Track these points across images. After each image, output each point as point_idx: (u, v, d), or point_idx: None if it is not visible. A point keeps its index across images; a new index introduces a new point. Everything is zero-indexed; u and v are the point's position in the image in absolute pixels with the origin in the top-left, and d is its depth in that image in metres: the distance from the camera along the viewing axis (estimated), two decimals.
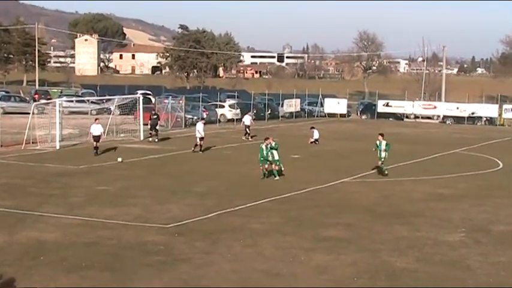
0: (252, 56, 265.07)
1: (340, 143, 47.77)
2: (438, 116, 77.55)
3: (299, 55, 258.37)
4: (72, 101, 61.24)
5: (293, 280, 15.52)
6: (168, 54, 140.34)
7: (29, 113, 42.90)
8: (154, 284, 14.99)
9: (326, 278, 15.76)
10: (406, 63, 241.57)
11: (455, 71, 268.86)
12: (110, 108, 53.88)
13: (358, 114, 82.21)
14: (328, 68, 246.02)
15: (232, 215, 22.41)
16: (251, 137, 47.15)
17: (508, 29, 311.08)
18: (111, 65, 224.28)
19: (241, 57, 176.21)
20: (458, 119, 74.25)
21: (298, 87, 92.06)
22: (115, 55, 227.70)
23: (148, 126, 45.28)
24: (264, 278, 15.65)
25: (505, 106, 75.45)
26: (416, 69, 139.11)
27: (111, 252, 17.40)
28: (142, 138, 45.82)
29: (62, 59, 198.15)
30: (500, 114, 74.14)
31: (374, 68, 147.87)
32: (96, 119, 37.83)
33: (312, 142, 46.24)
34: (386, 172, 31.79)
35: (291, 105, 74.69)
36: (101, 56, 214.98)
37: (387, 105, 79.28)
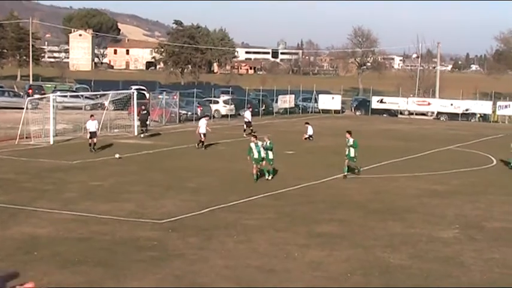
0: (247, 52, 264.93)
1: (334, 139, 47.70)
2: (432, 113, 77.64)
3: (293, 51, 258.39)
4: (66, 96, 61.03)
5: (287, 276, 15.51)
6: (162, 50, 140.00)
7: (22, 108, 42.78)
8: (148, 279, 14.97)
9: (320, 274, 15.75)
10: (400, 60, 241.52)
11: (449, 67, 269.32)
12: (104, 104, 53.75)
13: (352, 110, 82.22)
14: (322, 64, 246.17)
15: (226, 211, 22.39)
16: (246, 134, 47.09)
17: (502, 26, 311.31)
18: (105, 60, 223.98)
19: (236, 53, 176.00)
20: (452, 116, 74.33)
21: (292, 83, 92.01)
22: (109, 50, 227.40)
23: (138, 122, 45.15)
24: (258, 274, 15.63)
25: (498, 103, 75.60)
26: (411, 66, 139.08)
27: (105, 248, 17.36)
28: (136, 133, 45.74)
29: (56, 54, 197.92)
30: (494, 111, 74.29)
31: (368, 64, 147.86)
32: (91, 115, 37.61)
33: (306, 138, 46.22)
34: (346, 173, 30.19)
35: (285, 101, 74.67)
36: (95, 51, 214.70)
37: (381, 101, 79.31)
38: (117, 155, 33.81)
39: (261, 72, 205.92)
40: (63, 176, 28.40)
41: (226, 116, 63.57)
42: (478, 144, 46.44)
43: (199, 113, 60.30)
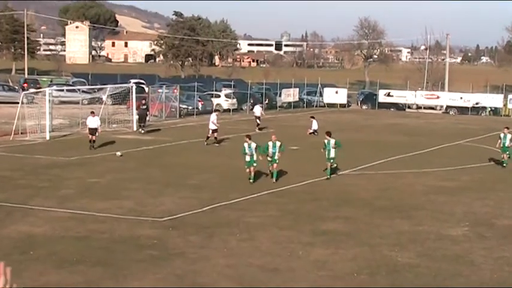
0: (249, 44, 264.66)
1: (340, 134, 47.63)
2: (441, 107, 77.53)
3: (297, 43, 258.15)
4: (62, 90, 61.01)
5: (291, 276, 15.55)
6: (162, 42, 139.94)
7: (18, 103, 42.86)
8: (148, 279, 15.01)
9: (325, 273, 15.79)
10: (408, 52, 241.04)
11: (459, 59, 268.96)
12: (102, 98, 53.79)
13: (359, 104, 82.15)
14: (327, 57, 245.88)
15: (228, 209, 22.43)
16: (260, 129, 47.10)
17: None
18: (103, 53, 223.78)
19: (238, 45, 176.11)
20: (461, 110, 74.22)
21: (296, 76, 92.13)
22: (107, 43, 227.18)
23: (136, 117, 45.09)
24: (261, 273, 15.67)
25: (510, 96, 75.35)
26: (419, 58, 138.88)
27: (103, 247, 17.41)
28: (135, 129, 45.78)
29: (52, 47, 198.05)
30: (505, 105, 74.13)
31: (375, 56, 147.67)
32: (92, 112, 37.42)
33: (310, 133, 46.23)
34: (329, 176, 28.71)
35: (289, 95, 74.61)
36: (93, 43, 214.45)
37: (388, 95, 79.22)
38: (118, 153, 33.63)
39: (264, 65, 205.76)
40: (59, 173, 28.46)
41: (228, 110, 63.57)
42: (489, 139, 46.34)
43: (200, 108, 60.40)
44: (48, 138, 39.82)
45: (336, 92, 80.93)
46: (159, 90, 58.32)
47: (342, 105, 78.60)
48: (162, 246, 17.62)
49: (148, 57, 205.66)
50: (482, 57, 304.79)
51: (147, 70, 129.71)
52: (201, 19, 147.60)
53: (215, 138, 39.20)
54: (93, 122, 36.38)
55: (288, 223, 20.56)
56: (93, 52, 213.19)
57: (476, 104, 74.26)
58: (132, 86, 50.38)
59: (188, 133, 44.96)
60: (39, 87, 63.48)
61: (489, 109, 74.67)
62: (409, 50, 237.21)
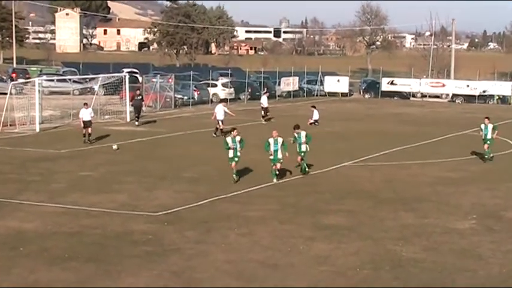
0: (247, 31, 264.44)
1: (342, 124, 47.80)
2: (447, 95, 77.54)
3: (297, 30, 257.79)
4: (52, 80, 61.09)
5: (291, 271, 15.55)
6: (155, 30, 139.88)
7: (6, 94, 42.79)
8: (143, 276, 15.01)
9: (327, 268, 15.79)
10: (412, 38, 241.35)
11: (465, 46, 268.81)
12: (94, 88, 53.74)
13: (361, 93, 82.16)
14: (328, 44, 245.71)
15: (226, 202, 22.42)
16: (269, 119, 47.00)
17: None
18: (94, 41, 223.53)
19: (235, 33, 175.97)
20: (468, 98, 74.19)
21: (296, 64, 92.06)
22: (99, 30, 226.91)
23: (131, 108, 44.88)
24: (261, 269, 15.67)
25: None
26: (424, 45, 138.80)
27: (96, 242, 17.41)
28: (128, 119, 45.74)
29: (41, 35, 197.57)
30: None
31: (378, 43, 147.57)
32: (85, 103, 37.14)
33: (311, 123, 46.22)
34: (307, 169, 27.71)
35: (289, 84, 74.59)
36: (84, 31, 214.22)
37: (392, 83, 79.19)
38: (114, 146, 33.45)
39: (262, 53, 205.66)
40: (50, 166, 28.44)
41: (225, 100, 63.49)
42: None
43: (196, 97, 60.35)
44: (38, 130, 39.79)
45: (338, 81, 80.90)
46: (154, 80, 58.33)
47: (344, 94, 78.59)
48: (157, 241, 17.62)
49: (141, 46, 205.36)
50: (489, 43, 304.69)
51: (141, 59, 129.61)
52: (197, 5, 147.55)
53: (220, 130, 38.96)
54: (86, 114, 35.74)
55: (289, 217, 20.56)
56: (84, 40, 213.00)
57: (484, 92, 74.22)
58: (125, 76, 50.32)
59: (184, 124, 44.94)
60: (29, 77, 63.50)
61: (497, 97, 74.61)
62: (413, 36, 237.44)
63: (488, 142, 31.86)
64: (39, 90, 42.50)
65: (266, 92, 54.15)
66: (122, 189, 24.09)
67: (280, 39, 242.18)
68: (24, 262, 15.70)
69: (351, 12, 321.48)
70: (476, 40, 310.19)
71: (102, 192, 23.43)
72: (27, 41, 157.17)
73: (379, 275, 15.42)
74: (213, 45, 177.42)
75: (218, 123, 39.43)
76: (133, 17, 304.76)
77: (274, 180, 25.86)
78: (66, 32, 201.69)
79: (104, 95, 52.49)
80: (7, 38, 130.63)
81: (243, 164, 27.34)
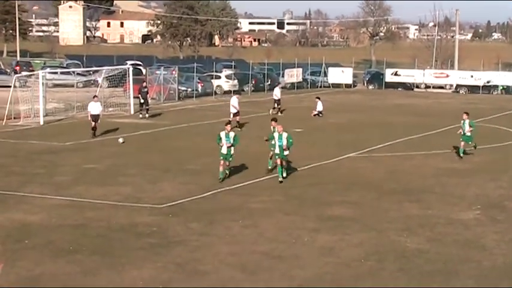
0: (250, 23, 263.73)
1: (346, 115, 47.75)
2: (451, 85, 77.36)
3: (301, 21, 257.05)
4: (56, 73, 61.09)
5: (296, 262, 15.56)
6: (159, 22, 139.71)
7: (9, 86, 42.80)
8: (147, 268, 15.03)
9: (331, 260, 15.81)
10: (416, 29, 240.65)
11: (469, 36, 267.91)
12: (98, 81, 53.71)
13: (365, 84, 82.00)
14: (332, 35, 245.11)
15: (230, 194, 22.44)
16: (281, 112, 46.89)
17: None
18: (98, 33, 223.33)
19: (239, 24, 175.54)
20: (472, 88, 74.02)
21: (299, 55, 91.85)
22: (102, 23, 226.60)
23: (141, 101, 44.56)
24: (265, 260, 15.69)
25: None
26: (427, 35, 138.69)
27: (101, 235, 17.44)
28: (132, 112, 45.73)
29: (44, 28, 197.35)
30: None
31: (381, 34, 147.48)
32: (94, 96, 36.77)
33: (315, 115, 46.21)
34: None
35: (292, 75, 74.48)
36: (87, 24, 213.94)
37: (396, 74, 79.04)
38: (120, 139, 33.37)
39: (265, 45, 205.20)
40: (54, 159, 28.46)
41: (229, 92, 63.47)
42: (501, 119, 46.37)
43: (199, 90, 60.31)
44: (42, 123, 39.80)
45: (343, 72, 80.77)
46: (157, 72, 58.22)
47: (348, 86, 78.44)
48: (161, 233, 17.64)
49: (145, 38, 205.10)
50: (493, 34, 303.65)
51: (144, 51, 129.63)
52: None
53: (237, 122, 38.80)
54: (95, 107, 35.29)
55: (293, 208, 20.57)
56: (88, 33, 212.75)
57: (488, 82, 74.06)
58: (128, 68, 50.29)
59: (187, 116, 44.92)
60: (32, 70, 63.46)
61: (501, 87, 74.41)
62: (416, 27, 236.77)
63: (467, 140, 30.48)
64: (43, 83, 42.48)
65: (279, 84, 54.08)
66: (126, 181, 24.12)
67: (284, 31, 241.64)
68: (30, 255, 15.74)
69: (355, 4, 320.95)
70: (480, 30, 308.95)
71: (106, 185, 23.45)
72: (30, 33, 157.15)
73: (384, 266, 15.44)
74: (216, 37, 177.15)
75: (230, 115, 39.15)
76: (137, 9, 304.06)
77: (280, 179, 24.25)
78: (70, 24, 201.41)
79: (108, 87, 52.47)
80: (11, 31, 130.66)
81: (246, 156, 27.36)
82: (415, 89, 77.34)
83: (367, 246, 16.84)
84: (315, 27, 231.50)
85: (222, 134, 24.54)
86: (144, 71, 64.04)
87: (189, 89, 59.04)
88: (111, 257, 15.69)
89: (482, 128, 41.84)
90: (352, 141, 34.60)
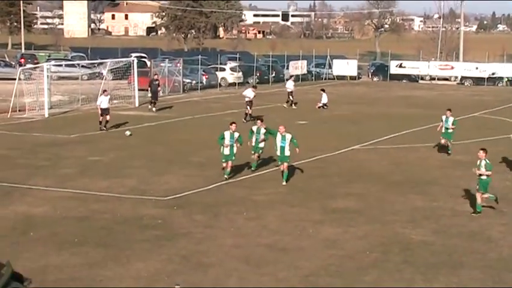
0: (255, 15, 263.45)
1: (350, 107, 47.69)
2: (456, 77, 77.25)
3: (305, 13, 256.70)
4: (61, 65, 61.01)
5: (300, 255, 15.55)
6: (163, 14, 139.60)
7: (14, 79, 42.80)
8: (152, 260, 15.04)
9: (335, 252, 15.80)
10: (420, 21, 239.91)
11: (474, 28, 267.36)
12: (102, 73, 53.72)
13: (370, 76, 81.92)
14: (336, 27, 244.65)
15: (235, 186, 22.43)
16: (294, 104, 46.79)
17: None
18: (102, 26, 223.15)
19: (243, 16, 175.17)
20: (477, 80, 73.87)
21: (304, 48, 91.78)
22: (107, 15, 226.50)
23: (149, 94, 44.32)
24: (269, 253, 15.69)
25: None
26: (432, 27, 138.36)
27: (105, 227, 17.45)
28: (137, 104, 45.70)
29: (49, 20, 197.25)
30: None
31: (386, 26, 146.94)
32: (104, 90, 36.47)
33: (320, 107, 46.16)
34: (254, 167, 24.74)
35: (297, 68, 74.34)
36: (92, 16, 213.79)
37: (400, 66, 78.92)
38: (127, 132, 33.30)
39: (270, 37, 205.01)
40: (59, 151, 28.47)
41: (233, 84, 63.41)
42: (506, 111, 46.26)
43: (204, 82, 60.27)
44: (46, 115, 39.81)
45: (348, 64, 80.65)
46: (162, 64, 58.18)
47: (352, 78, 78.35)
48: (166, 226, 17.65)
49: (149, 30, 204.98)
50: (498, 25, 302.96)
51: (149, 43, 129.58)
52: None
53: (250, 115, 38.61)
54: (105, 101, 34.90)
55: (297, 201, 20.56)
56: (93, 25, 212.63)
57: (493, 74, 73.89)
58: (133, 60, 50.26)
59: (192, 108, 44.89)
60: (37, 63, 63.50)
61: (506, 79, 74.24)
62: (421, 18, 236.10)
63: (448, 136, 29.41)
64: (47, 76, 42.49)
65: (292, 76, 54.03)
66: (131, 173, 24.11)
67: (289, 23, 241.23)
68: (34, 247, 15.75)
69: None
70: (485, 22, 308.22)
71: (111, 177, 23.46)
72: (35, 26, 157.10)
73: (388, 258, 15.42)
74: (221, 30, 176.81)
75: (246, 107, 39.05)
76: (141, 2, 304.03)
77: (284, 182, 22.89)
78: (74, 17, 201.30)
79: (112, 79, 52.46)
80: (15, 23, 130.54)
81: (250, 148, 27.27)
82: (420, 81, 77.24)
83: (371, 238, 16.83)
84: (320, 19, 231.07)
85: (227, 134, 23.49)
86: (148, 63, 63.99)
87: (194, 81, 58.98)
88: (116, 249, 15.70)
89: (487, 120, 41.78)
90: (356, 133, 34.57)
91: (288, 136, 23.17)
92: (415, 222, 18.34)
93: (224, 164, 23.42)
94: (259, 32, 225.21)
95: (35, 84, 42.91)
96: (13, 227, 17.37)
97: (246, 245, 16.17)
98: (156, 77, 45.93)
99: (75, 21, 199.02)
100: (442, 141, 29.46)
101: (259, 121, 25.38)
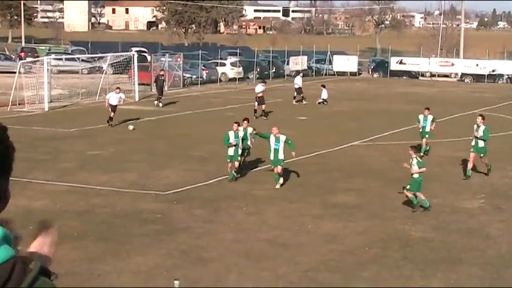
0: (255, 10, 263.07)
1: (350, 103, 47.68)
2: (456, 74, 77.17)
3: (306, 9, 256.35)
4: (61, 59, 60.99)
5: (300, 250, 15.57)
6: (164, 8, 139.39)
7: (14, 72, 42.79)
8: (152, 254, 15.05)
9: (335, 247, 15.81)
10: (421, 17, 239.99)
11: (474, 25, 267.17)
12: (103, 67, 53.67)
13: (370, 72, 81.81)
14: (337, 23, 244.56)
15: (235, 181, 22.43)
16: (304, 99, 46.69)
17: None
18: (103, 20, 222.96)
19: (244, 11, 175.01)
20: (477, 77, 73.78)
21: (304, 43, 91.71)
22: (107, 9, 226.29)
23: (152, 89, 44.13)
24: (269, 248, 15.70)
25: None
26: (433, 24, 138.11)
27: (105, 221, 17.46)
28: (137, 99, 45.70)
29: (49, 14, 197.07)
30: None
31: (387, 22, 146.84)
32: (117, 87, 36.02)
33: (319, 102, 46.16)
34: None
35: (297, 63, 74.26)
36: (92, 10, 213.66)
37: (401, 62, 78.83)
38: (130, 127, 33.21)
39: (271, 32, 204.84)
40: (59, 145, 28.48)
41: (233, 79, 63.40)
42: (506, 108, 46.24)
43: (204, 77, 60.26)
44: (46, 109, 39.81)
45: (348, 60, 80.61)
46: (162, 59, 58.17)
47: (353, 74, 78.28)
48: (166, 220, 17.66)
49: (150, 25, 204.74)
50: (499, 22, 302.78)
51: (149, 38, 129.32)
52: None
53: (263, 110, 38.53)
54: (113, 98, 34.39)
55: (297, 196, 20.57)
56: (93, 19, 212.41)
57: (493, 71, 73.81)
58: (133, 55, 50.25)
59: (192, 103, 44.88)
60: (37, 56, 63.45)
61: (506, 76, 74.17)
62: (422, 15, 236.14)
63: (427, 136, 28.88)
64: (47, 69, 42.50)
65: (300, 73, 54.01)
66: (131, 168, 24.12)
67: (289, 19, 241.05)
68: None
69: None
70: (486, 19, 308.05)
71: (111, 171, 23.47)
72: (35, 19, 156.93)
73: (388, 254, 15.44)
74: (221, 24, 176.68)
75: (256, 104, 38.87)
76: None
77: (277, 186, 21.63)
78: (75, 10, 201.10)
79: (113, 74, 52.43)
80: (16, 17, 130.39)
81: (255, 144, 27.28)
82: (420, 78, 77.13)
83: (371, 234, 16.84)
84: (320, 15, 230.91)
85: (231, 134, 22.55)
86: (149, 57, 63.96)
87: (194, 76, 58.97)
88: (116, 243, 15.71)
89: (488, 117, 41.72)
90: (356, 129, 34.57)
91: (282, 138, 21.86)
92: (414, 218, 18.36)
93: (230, 165, 22.54)
94: (259, 27, 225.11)
95: (35, 77, 42.92)
96: (13, 220, 17.34)
97: (245, 240, 16.19)
98: (162, 72, 45.97)
99: (75, 15, 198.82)
100: (424, 140, 28.58)
101: (245, 122, 23.64)
